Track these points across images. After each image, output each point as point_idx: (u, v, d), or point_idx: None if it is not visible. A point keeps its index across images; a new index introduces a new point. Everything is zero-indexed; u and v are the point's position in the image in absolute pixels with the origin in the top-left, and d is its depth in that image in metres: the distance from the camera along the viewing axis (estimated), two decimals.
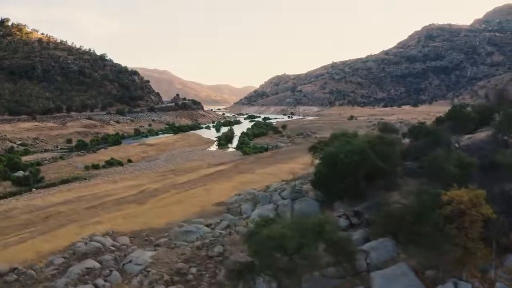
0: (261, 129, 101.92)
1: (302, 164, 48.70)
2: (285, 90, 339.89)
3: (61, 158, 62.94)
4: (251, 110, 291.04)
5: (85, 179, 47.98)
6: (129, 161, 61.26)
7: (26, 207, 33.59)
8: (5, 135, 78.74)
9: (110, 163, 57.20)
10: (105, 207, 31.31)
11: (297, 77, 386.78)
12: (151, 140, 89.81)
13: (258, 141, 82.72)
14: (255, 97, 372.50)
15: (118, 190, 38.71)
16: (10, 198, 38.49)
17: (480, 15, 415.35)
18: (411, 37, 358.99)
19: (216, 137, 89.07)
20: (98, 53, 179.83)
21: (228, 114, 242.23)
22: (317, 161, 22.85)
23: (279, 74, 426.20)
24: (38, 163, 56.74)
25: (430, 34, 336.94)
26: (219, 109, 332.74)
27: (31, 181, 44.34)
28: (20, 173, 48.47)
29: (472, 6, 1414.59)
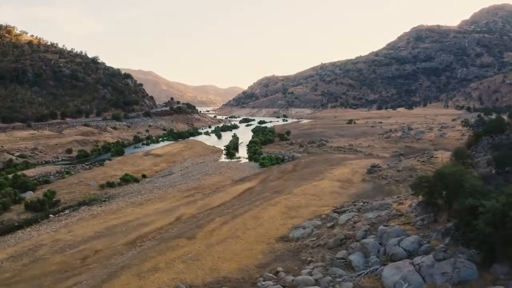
0: (268, 136, 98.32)
1: (336, 180, 45.43)
2: (275, 92, 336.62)
3: (68, 172, 58.25)
4: (243, 113, 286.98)
5: (104, 200, 43.77)
6: (143, 176, 57.14)
7: (54, 243, 29.43)
8: (1, 146, 73.40)
9: (126, 179, 52.77)
10: (148, 244, 27.44)
11: (286, 78, 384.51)
12: (156, 149, 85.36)
13: (268, 150, 79.00)
14: (244, 99, 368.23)
15: (151, 217, 34.75)
16: (29, 229, 34.18)
17: (466, 16, 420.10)
18: (400, 38, 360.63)
19: (224, 147, 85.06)
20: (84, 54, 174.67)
21: (220, 117, 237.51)
22: (420, 198, 20.15)
23: (267, 75, 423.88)
24: (46, 180, 52.08)
25: (419, 36, 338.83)
26: (207, 110, 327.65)
27: (46, 205, 39.87)
28: (31, 195, 44.15)
29: (458, 7, 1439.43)
